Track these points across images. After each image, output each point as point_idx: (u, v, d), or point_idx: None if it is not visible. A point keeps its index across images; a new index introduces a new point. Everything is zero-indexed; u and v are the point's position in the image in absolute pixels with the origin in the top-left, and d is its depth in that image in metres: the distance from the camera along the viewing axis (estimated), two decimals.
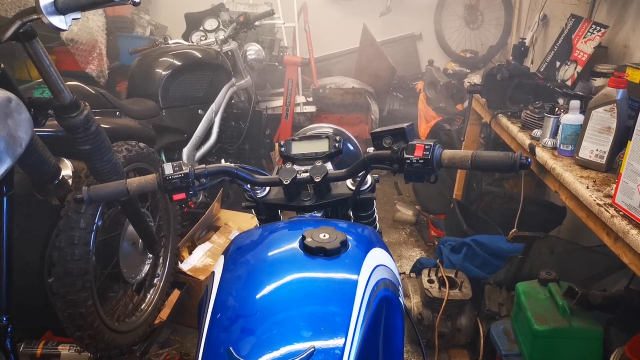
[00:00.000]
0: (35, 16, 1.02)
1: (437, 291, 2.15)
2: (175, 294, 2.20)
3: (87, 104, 1.36)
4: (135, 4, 1.05)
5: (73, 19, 1.03)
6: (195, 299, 2.24)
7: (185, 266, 2.27)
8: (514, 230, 2.09)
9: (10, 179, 1.23)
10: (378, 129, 1.05)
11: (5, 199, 1.22)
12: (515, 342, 1.87)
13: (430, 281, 2.21)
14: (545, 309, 1.75)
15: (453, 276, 2.21)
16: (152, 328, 2.06)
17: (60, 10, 1.01)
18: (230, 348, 0.74)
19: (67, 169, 1.62)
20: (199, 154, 2.71)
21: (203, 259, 2.34)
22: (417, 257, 3.01)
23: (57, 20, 1.01)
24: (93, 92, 1.92)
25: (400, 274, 2.40)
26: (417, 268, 2.48)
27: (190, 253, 2.38)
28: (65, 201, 1.55)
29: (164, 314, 2.13)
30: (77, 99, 1.33)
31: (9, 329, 1.23)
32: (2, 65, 1.17)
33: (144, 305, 2.04)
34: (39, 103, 1.28)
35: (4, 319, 1.23)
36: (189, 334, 2.27)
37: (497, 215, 2.82)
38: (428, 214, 3.49)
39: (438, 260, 2.35)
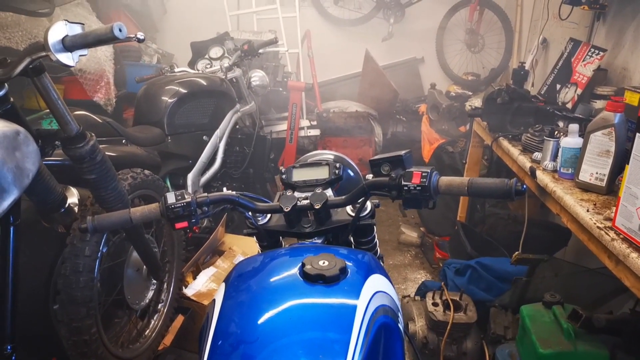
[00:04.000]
0: (44, 53, 1.06)
1: (441, 314, 2.13)
2: (179, 319, 2.20)
3: (93, 134, 1.40)
4: (140, 41, 1.09)
5: (80, 55, 1.07)
6: (199, 324, 2.23)
7: (189, 291, 2.27)
8: (517, 252, 2.09)
9: (17, 210, 1.26)
10: (376, 157, 1.08)
11: (12, 229, 1.25)
12: None
13: (435, 304, 2.20)
14: (550, 333, 1.74)
15: (458, 299, 2.20)
16: (156, 354, 2.05)
17: (68, 48, 1.05)
18: None
19: (73, 197, 1.65)
20: (203, 179, 2.74)
21: (207, 283, 2.35)
22: (422, 279, 3.00)
23: (65, 57, 1.05)
24: (100, 121, 1.96)
25: (405, 296, 2.41)
26: (422, 291, 2.47)
27: (194, 278, 2.38)
28: (71, 229, 1.57)
29: (168, 339, 2.12)
30: (84, 130, 1.36)
31: (13, 358, 1.24)
32: (12, 99, 1.21)
33: (147, 331, 2.04)
34: (47, 135, 1.31)
35: (9, 347, 1.24)
36: None
37: (502, 237, 2.82)
38: (433, 236, 3.49)
39: (442, 283, 2.35)
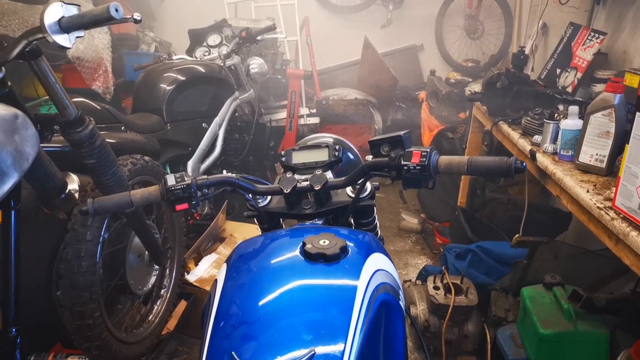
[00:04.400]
0: (40, 35, 1.06)
1: (442, 298, 2.15)
2: (182, 304, 2.22)
3: (91, 119, 1.40)
4: (137, 22, 1.08)
5: (77, 37, 1.07)
6: (201, 310, 2.25)
7: (191, 277, 2.29)
8: (517, 235, 2.09)
9: (17, 194, 1.27)
10: (376, 137, 1.07)
11: (12, 213, 1.25)
12: (522, 347, 1.87)
13: (436, 288, 2.21)
14: (550, 313, 1.75)
15: (459, 282, 2.21)
16: (159, 339, 2.07)
17: (64, 29, 1.05)
18: (233, 353, 0.75)
19: (73, 183, 1.65)
20: (203, 166, 2.74)
21: (209, 269, 2.36)
22: (423, 265, 3.01)
23: (62, 39, 1.05)
24: (98, 107, 1.96)
25: (406, 281, 2.42)
26: (423, 275, 2.49)
27: (196, 264, 2.40)
28: (72, 214, 1.57)
29: (171, 324, 2.14)
30: (82, 115, 1.36)
31: (18, 340, 1.25)
32: (10, 84, 1.21)
33: (151, 316, 2.06)
34: (45, 119, 1.31)
35: (13, 330, 1.25)
36: (196, 345, 2.27)
37: (502, 221, 2.83)
38: (433, 221, 3.49)
39: (443, 267, 2.36)
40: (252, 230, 2.71)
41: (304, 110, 4.15)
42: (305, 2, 4.67)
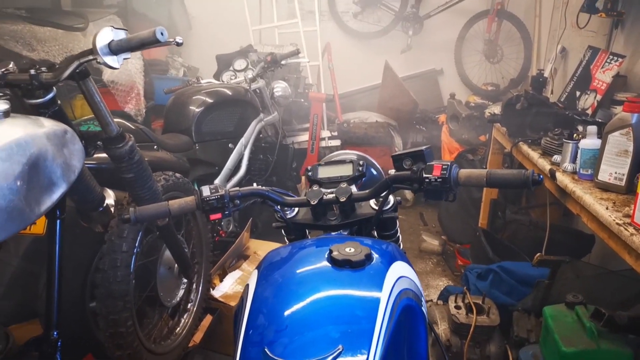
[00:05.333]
0: (92, 57, 1.16)
1: (464, 317, 2.15)
2: (208, 318, 2.27)
3: (131, 136, 1.50)
4: (179, 45, 1.17)
5: (124, 58, 1.17)
6: (226, 324, 2.30)
7: (216, 293, 2.35)
8: (539, 254, 2.10)
9: (63, 204, 1.36)
10: (398, 152, 1.14)
11: (58, 222, 1.34)
12: None
13: (457, 307, 2.21)
14: (572, 332, 1.75)
15: (480, 302, 2.21)
16: (186, 351, 2.12)
17: (114, 51, 1.15)
18: (265, 348, 0.81)
19: (110, 198, 1.73)
20: (229, 185, 2.83)
21: (234, 286, 2.42)
22: (444, 286, 3.01)
23: (111, 60, 1.15)
24: (134, 127, 2.06)
25: (427, 301, 2.43)
26: (444, 295, 2.49)
27: (221, 280, 2.46)
28: (109, 227, 1.66)
29: (197, 337, 2.20)
30: (123, 131, 1.46)
31: (59, 343, 1.32)
32: (59, 102, 1.31)
33: (178, 329, 2.11)
34: (89, 136, 1.41)
35: (55, 333, 1.32)
36: None
37: (523, 243, 2.82)
38: (454, 243, 3.50)
39: (465, 287, 2.36)
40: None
41: (325, 133, 4.23)
42: (327, 29, 4.82)
